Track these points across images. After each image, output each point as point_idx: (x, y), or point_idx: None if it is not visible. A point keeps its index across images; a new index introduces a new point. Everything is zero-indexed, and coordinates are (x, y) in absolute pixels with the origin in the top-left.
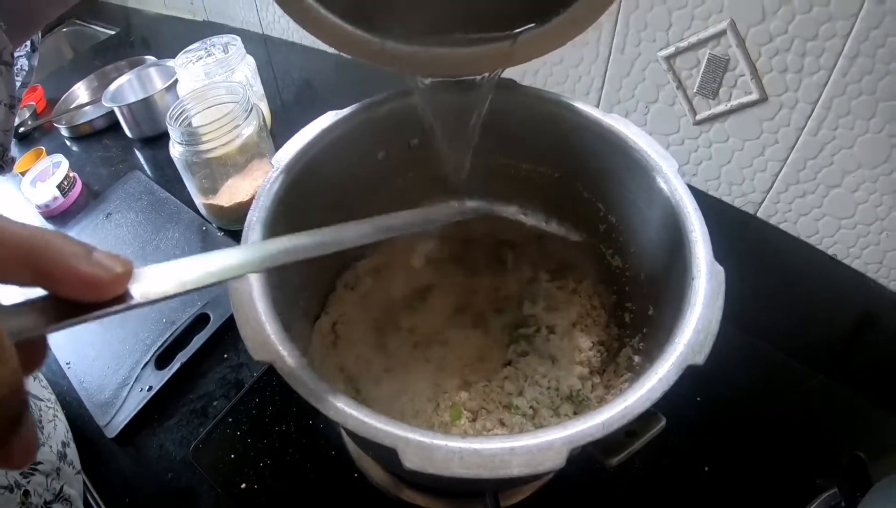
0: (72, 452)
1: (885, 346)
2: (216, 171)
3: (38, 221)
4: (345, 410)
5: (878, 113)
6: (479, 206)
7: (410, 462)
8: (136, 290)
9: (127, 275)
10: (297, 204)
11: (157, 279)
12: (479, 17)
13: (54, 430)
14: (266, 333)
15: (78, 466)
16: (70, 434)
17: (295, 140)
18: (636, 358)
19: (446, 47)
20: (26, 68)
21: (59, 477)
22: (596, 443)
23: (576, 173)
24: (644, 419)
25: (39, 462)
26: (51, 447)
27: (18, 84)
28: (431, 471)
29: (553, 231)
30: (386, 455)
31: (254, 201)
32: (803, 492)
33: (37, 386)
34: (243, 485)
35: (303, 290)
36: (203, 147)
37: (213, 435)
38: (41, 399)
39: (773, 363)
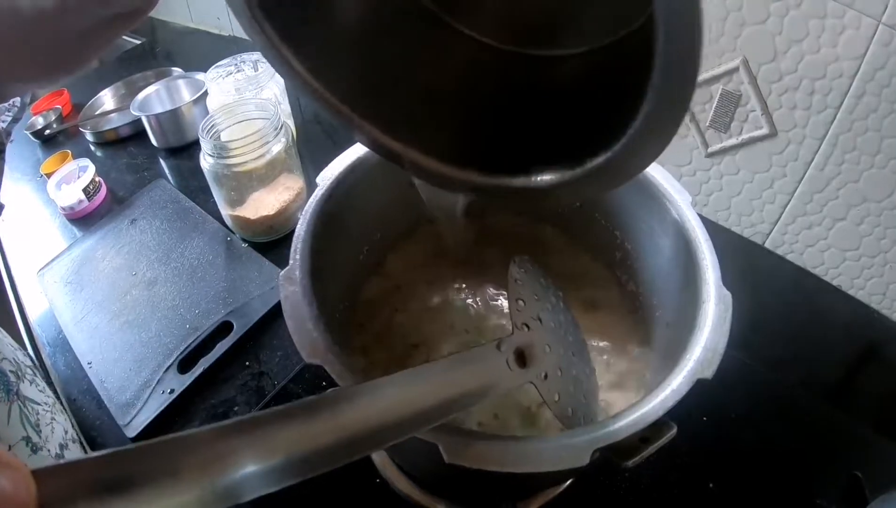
0: (71, 454)
1: (886, 375)
2: (244, 184)
3: (61, 223)
4: None
5: (883, 149)
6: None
7: (450, 456)
8: None
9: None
10: (338, 219)
11: None
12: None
13: (52, 433)
14: (316, 338)
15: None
16: (71, 435)
17: (339, 161)
18: (649, 374)
19: (514, 177)
20: (18, 105)
21: None
22: (614, 446)
23: (595, 203)
24: (657, 427)
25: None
26: (49, 450)
27: (9, 120)
28: (469, 465)
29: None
30: (420, 454)
31: (302, 216)
32: None
33: (33, 390)
34: None
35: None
36: (233, 161)
37: None
38: (38, 403)
39: (777, 388)
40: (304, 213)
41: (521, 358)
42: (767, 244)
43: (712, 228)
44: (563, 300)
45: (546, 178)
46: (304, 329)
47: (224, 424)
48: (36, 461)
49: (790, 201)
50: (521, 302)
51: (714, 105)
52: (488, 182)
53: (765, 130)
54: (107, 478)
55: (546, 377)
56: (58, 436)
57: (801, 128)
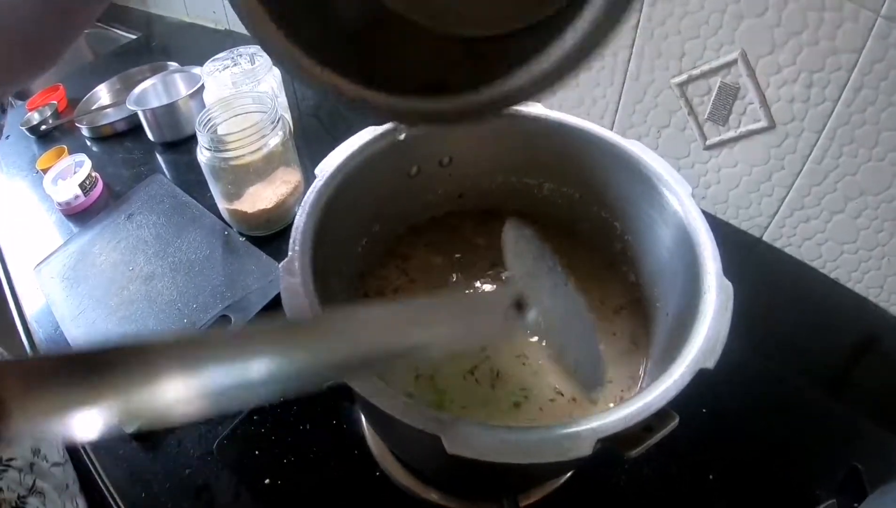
0: (47, 445)
1: (884, 367)
2: (241, 177)
3: (58, 218)
4: (394, 400)
5: (881, 142)
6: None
7: (453, 448)
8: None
9: None
10: (337, 211)
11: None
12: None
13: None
14: None
15: (55, 458)
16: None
17: (337, 152)
18: (650, 365)
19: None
20: None
21: (33, 472)
22: (617, 436)
23: (595, 195)
24: (660, 416)
25: (13, 459)
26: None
27: None
28: (472, 456)
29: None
30: (421, 445)
31: (301, 208)
32: (803, 503)
33: None
34: (267, 480)
35: (337, 294)
36: (230, 154)
37: (238, 432)
38: None
39: (776, 380)
40: (302, 204)
41: (519, 308)
42: (765, 237)
43: (710, 221)
44: (558, 263)
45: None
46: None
47: (201, 335)
48: (11, 453)
49: (788, 193)
50: (517, 257)
51: (712, 98)
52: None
53: (763, 123)
54: (76, 372)
55: (543, 325)
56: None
57: (799, 121)
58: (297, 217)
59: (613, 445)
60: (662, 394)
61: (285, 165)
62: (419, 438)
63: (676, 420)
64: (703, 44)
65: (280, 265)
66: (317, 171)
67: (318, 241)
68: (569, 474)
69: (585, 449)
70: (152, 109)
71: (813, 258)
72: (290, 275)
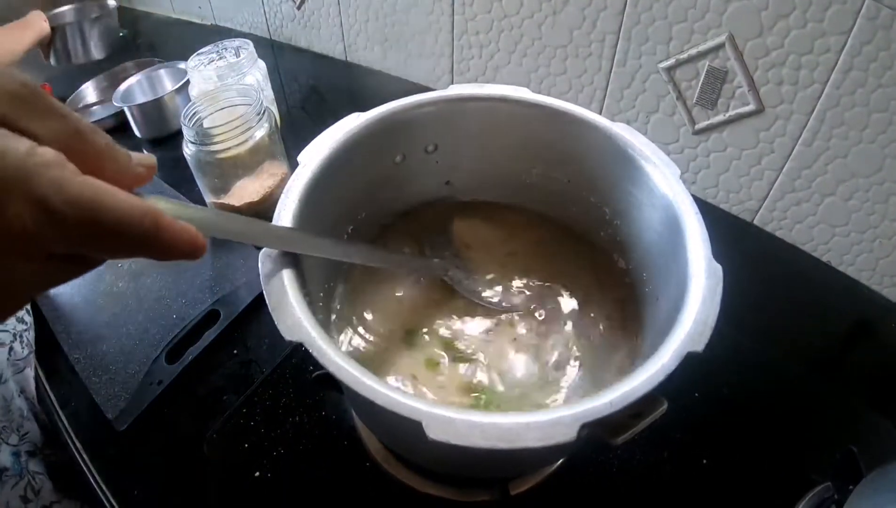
0: None
1: (877, 349)
2: (227, 171)
3: None
4: (373, 386)
5: (871, 124)
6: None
7: (435, 434)
8: None
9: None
10: (319, 198)
11: None
12: None
13: None
14: (297, 316)
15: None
16: None
17: (320, 139)
18: (642, 351)
19: None
20: None
21: None
22: (603, 422)
23: (583, 179)
24: (647, 402)
25: None
26: None
27: None
28: (454, 442)
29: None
30: (404, 434)
31: (282, 195)
32: (798, 486)
33: None
34: (257, 473)
35: (321, 283)
36: (215, 147)
37: (227, 426)
38: None
39: (769, 364)
40: (285, 191)
41: None
42: (756, 221)
43: (701, 205)
44: None
45: None
46: (283, 306)
47: None
48: None
49: (778, 177)
50: None
51: (700, 82)
52: None
53: (752, 107)
54: None
55: None
56: None
57: (788, 104)
58: (278, 203)
59: (598, 431)
60: (649, 379)
61: (272, 157)
62: (402, 425)
63: (665, 406)
64: (691, 27)
65: (261, 252)
66: (299, 158)
67: (300, 228)
68: (560, 461)
69: (569, 435)
70: (138, 105)
71: (804, 242)
72: (271, 261)
